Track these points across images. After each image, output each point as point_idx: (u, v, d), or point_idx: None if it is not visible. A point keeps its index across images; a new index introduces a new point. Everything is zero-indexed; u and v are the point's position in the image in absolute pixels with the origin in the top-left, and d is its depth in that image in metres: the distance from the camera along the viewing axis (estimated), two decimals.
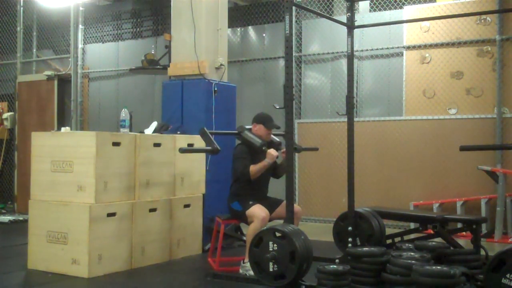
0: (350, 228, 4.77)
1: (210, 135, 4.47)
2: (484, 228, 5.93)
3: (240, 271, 4.50)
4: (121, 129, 5.29)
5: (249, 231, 4.37)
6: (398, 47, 7.14)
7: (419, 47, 6.97)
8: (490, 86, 6.56)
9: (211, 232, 5.12)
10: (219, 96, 5.77)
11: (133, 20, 9.20)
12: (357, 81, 7.34)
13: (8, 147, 8.97)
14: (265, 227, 3.98)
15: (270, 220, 4.53)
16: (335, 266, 3.64)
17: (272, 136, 4.84)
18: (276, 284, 3.68)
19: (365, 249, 3.85)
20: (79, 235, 4.45)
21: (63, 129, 5.05)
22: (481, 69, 6.61)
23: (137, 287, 4.32)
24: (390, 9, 7.30)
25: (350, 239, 4.73)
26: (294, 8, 4.36)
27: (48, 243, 4.62)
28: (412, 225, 6.04)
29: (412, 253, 3.72)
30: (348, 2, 4.94)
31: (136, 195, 4.87)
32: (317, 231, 6.45)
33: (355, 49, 5.70)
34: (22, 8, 8.69)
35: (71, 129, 6.48)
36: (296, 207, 4.51)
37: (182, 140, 5.32)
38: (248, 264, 4.17)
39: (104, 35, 9.27)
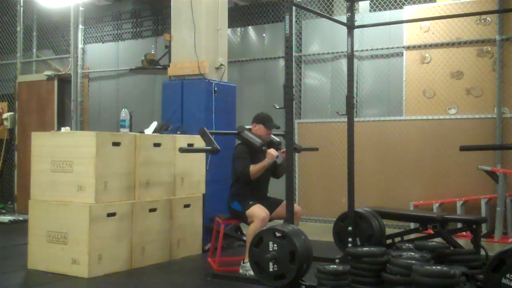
0: (350, 228, 4.77)
1: (210, 135, 4.47)
2: (484, 228, 5.93)
3: (240, 271, 4.50)
4: (121, 129, 5.29)
5: (249, 231, 4.37)
6: (398, 47, 7.14)
7: (419, 47, 6.97)
8: (490, 86, 6.56)
9: (211, 232, 5.12)
10: (219, 96, 5.77)
11: (133, 20, 9.20)
12: (357, 81, 7.34)
13: (8, 147, 8.97)
14: (265, 227, 3.98)
15: (270, 220, 4.52)
16: (335, 266, 3.64)
17: (272, 136, 4.84)
18: (276, 284, 3.67)
19: (365, 249, 3.85)
20: (79, 235, 4.45)
21: (63, 129, 5.05)
22: (481, 69, 6.61)
23: (137, 287, 4.32)
24: (390, 9, 7.30)
25: (350, 239, 4.73)
26: (294, 8, 4.36)
27: (48, 243, 4.62)
28: (412, 225, 6.04)
29: (412, 253, 3.71)
30: (348, 2, 4.94)
31: (136, 195, 4.87)
32: (317, 231, 6.45)
33: (355, 49, 5.70)
34: (22, 8, 8.69)
35: (71, 129, 6.48)
36: (296, 207, 4.51)
37: (182, 140, 5.32)
38: (248, 264, 4.17)
39: (104, 35, 9.28)
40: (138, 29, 9.15)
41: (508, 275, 3.19)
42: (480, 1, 6.58)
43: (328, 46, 7.63)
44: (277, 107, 4.01)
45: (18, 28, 8.73)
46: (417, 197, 6.72)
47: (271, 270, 3.66)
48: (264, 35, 8.19)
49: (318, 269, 3.57)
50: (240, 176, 4.63)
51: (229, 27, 6.41)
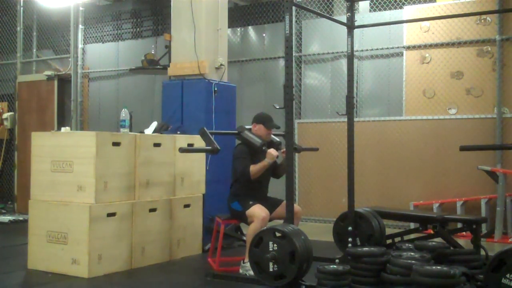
0: (350, 228, 4.77)
1: (210, 135, 4.47)
2: (484, 228, 5.92)
3: (240, 271, 4.50)
4: (121, 129, 5.29)
5: (249, 231, 4.37)
6: (398, 47, 7.14)
7: (419, 47, 6.97)
8: (490, 86, 6.56)
9: (211, 232, 5.12)
10: (219, 96, 5.77)
11: (133, 20, 9.20)
12: (357, 81, 7.34)
13: (8, 147, 8.97)
14: (265, 227, 3.98)
15: (270, 220, 4.53)
16: (335, 266, 3.64)
17: (272, 136, 4.84)
18: (276, 284, 3.67)
19: (365, 249, 3.85)
20: (79, 235, 4.45)
21: (63, 129, 5.05)
22: (481, 69, 6.61)
23: (137, 287, 4.32)
24: (390, 9, 7.30)
25: (350, 239, 4.73)
26: (294, 8, 4.36)
27: (48, 243, 4.62)
28: (412, 225, 6.04)
29: (412, 253, 3.72)
30: (348, 2, 4.94)
31: (136, 195, 4.87)
32: (317, 231, 6.45)
33: (355, 49, 5.70)
34: (22, 8, 8.69)
35: (71, 129, 6.48)
36: (296, 207, 4.51)
37: (182, 140, 5.32)
38: (248, 264, 4.17)
39: (104, 35, 9.27)
40: (138, 29, 9.14)
41: (508, 275, 3.19)
42: (480, 1, 6.58)
43: (328, 46, 7.63)
44: (277, 107, 4.01)
45: (18, 28, 8.74)
46: (417, 197, 6.72)
47: (271, 270, 3.66)
48: (264, 35, 8.19)
49: (318, 269, 3.57)
50: (240, 176, 4.63)
51: (229, 27, 6.41)
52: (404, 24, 6.97)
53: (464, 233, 5.15)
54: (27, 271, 4.70)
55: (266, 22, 8.15)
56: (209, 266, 4.82)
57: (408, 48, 7.04)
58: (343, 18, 5.13)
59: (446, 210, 6.37)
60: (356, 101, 7.27)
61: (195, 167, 5.51)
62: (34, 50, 8.92)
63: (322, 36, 7.72)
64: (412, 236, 4.94)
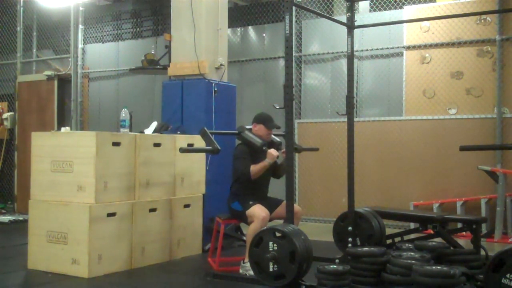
0: (350, 228, 4.77)
1: (210, 135, 4.47)
2: (484, 228, 5.92)
3: (240, 271, 4.50)
4: (121, 129, 5.29)
5: (249, 231, 4.37)
6: (398, 47, 7.14)
7: (419, 47, 6.97)
8: (490, 86, 6.56)
9: (211, 232, 5.12)
10: (219, 96, 5.76)
11: (133, 20, 9.20)
12: (357, 81, 7.34)
13: (8, 147, 8.97)
14: (265, 227, 3.98)
15: (270, 220, 4.53)
16: (335, 266, 3.64)
17: (272, 136, 4.84)
18: (276, 284, 3.67)
19: (365, 249, 3.85)
20: (79, 235, 4.45)
21: (63, 129, 5.05)
22: (481, 69, 6.61)
23: (137, 287, 4.32)
24: (390, 9, 7.30)
25: (350, 239, 4.73)
26: (294, 8, 4.36)
27: (48, 243, 4.62)
28: (412, 225, 6.04)
29: (412, 253, 3.72)
30: (348, 2, 4.94)
31: (136, 195, 4.87)
32: (317, 231, 6.45)
33: (355, 49, 5.70)
34: (22, 8, 8.69)
35: (71, 129, 6.48)
36: (296, 207, 4.51)
37: (182, 140, 5.32)
38: (248, 264, 4.17)
39: (104, 35, 9.27)
40: (138, 29, 9.14)
41: (508, 275, 3.19)
42: (480, 1, 6.58)
43: (328, 46, 7.63)
44: (277, 107, 4.01)
45: (18, 28, 8.73)
46: (417, 197, 6.72)
47: (271, 270, 3.66)
48: (264, 35, 8.19)
49: (318, 269, 3.57)
50: (241, 176, 4.63)
51: (229, 27, 6.41)
52: (404, 24, 6.97)
53: (464, 233, 5.15)
54: (27, 271, 4.70)
55: (266, 22, 8.15)
56: (209, 266, 4.82)
57: (408, 48, 7.04)
58: (343, 18, 5.13)
59: (446, 210, 6.37)
60: (356, 101, 7.27)
61: (195, 167, 5.51)
62: (34, 50, 8.92)
63: (322, 36, 7.72)
64: (412, 236, 4.93)
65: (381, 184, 7.03)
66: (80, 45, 8.45)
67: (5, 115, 8.78)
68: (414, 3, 7.22)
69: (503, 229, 6.06)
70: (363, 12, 7.56)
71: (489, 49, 6.58)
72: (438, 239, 4.55)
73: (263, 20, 8.18)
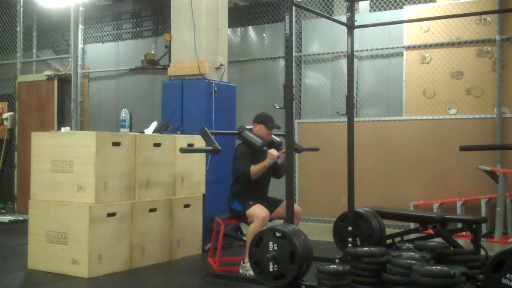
0: (350, 228, 4.77)
1: (211, 135, 4.47)
2: (484, 228, 5.92)
3: (240, 271, 4.50)
4: (121, 129, 5.29)
5: (249, 231, 4.37)
6: (398, 47, 7.14)
7: (419, 47, 6.97)
8: (490, 86, 6.56)
9: (211, 232, 5.12)
10: (219, 96, 5.76)
11: (133, 20, 9.20)
12: (357, 81, 7.34)
13: (8, 147, 8.97)
14: (265, 227, 3.98)
15: (270, 220, 4.53)
16: (335, 266, 3.63)
17: (273, 136, 4.84)
18: (276, 284, 3.67)
19: (365, 249, 3.85)
20: (79, 235, 4.46)
21: (63, 129, 5.05)
22: (481, 69, 6.61)
23: (137, 287, 4.32)
24: (390, 9, 7.30)
25: (350, 239, 4.73)
26: (294, 8, 4.36)
27: (48, 243, 4.62)
28: (412, 225, 6.04)
29: (412, 253, 3.71)
30: (348, 2, 4.94)
31: (136, 195, 4.87)
32: (317, 231, 6.45)
33: (355, 49, 5.70)
34: (22, 8, 8.69)
35: (71, 129, 6.48)
36: (296, 207, 4.52)
37: (182, 140, 5.32)
38: (248, 264, 4.17)
39: (104, 35, 9.27)
40: (138, 29, 9.14)
41: (508, 275, 3.19)
42: (480, 1, 6.57)
43: (328, 46, 7.63)
44: (277, 107, 4.01)
45: (18, 28, 8.73)
46: (417, 197, 6.72)
47: (271, 270, 3.66)
48: (264, 35, 8.19)
49: (318, 269, 3.57)
50: (241, 176, 4.63)
51: (229, 27, 6.41)
52: (404, 24, 6.97)
53: (464, 233, 5.15)
54: (27, 271, 4.70)
55: (266, 22, 8.15)
56: (209, 266, 4.82)
57: (408, 48, 7.04)
58: (343, 18, 5.13)
59: (446, 210, 6.37)
60: (356, 101, 7.27)
61: (195, 167, 5.51)
62: (34, 50, 8.92)
63: (322, 36, 7.71)
64: (412, 236, 4.93)
65: (381, 184, 7.03)
66: (80, 45, 8.45)
67: (5, 115, 8.78)
68: (414, 3, 7.22)
69: (503, 229, 6.06)
70: (363, 12, 7.56)
71: (489, 49, 6.58)
72: (438, 239, 4.55)
73: (263, 20, 8.18)
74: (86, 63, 8.89)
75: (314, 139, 7.37)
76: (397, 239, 4.89)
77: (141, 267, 4.81)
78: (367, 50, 7.36)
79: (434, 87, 6.86)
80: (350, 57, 4.94)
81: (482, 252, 4.34)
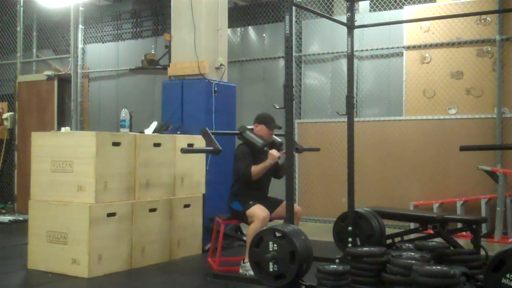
0: (350, 228, 4.77)
1: (211, 135, 4.47)
2: (484, 228, 5.92)
3: (240, 271, 4.50)
4: (121, 129, 5.29)
5: (249, 231, 4.37)
6: (398, 47, 7.14)
7: (419, 47, 6.97)
8: (490, 86, 6.56)
9: (211, 232, 5.12)
10: (219, 96, 5.76)
11: (133, 20, 9.20)
12: (357, 81, 7.34)
13: (8, 147, 8.97)
14: (265, 227, 3.98)
15: (270, 220, 4.53)
16: (335, 266, 3.63)
17: (273, 136, 4.84)
18: (276, 284, 3.67)
19: (365, 249, 3.85)
20: (79, 235, 4.45)
21: (63, 129, 5.05)
22: (481, 69, 6.61)
23: (137, 287, 4.32)
24: (390, 9, 7.30)
25: (350, 239, 4.73)
26: (294, 8, 4.36)
27: (48, 243, 4.62)
28: (412, 225, 6.04)
29: (412, 253, 3.71)
30: (348, 2, 4.94)
31: (136, 195, 4.87)
32: (317, 231, 6.45)
33: (355, 49, 5.70)
34: (22, 8, 8.69)
35: (71, 129, 6.48)
36: (296, 207, 4.51)
37: (182, 140, 5.32)
38: (248, 264, 4.17)
39: (104, 35, 9.28)
40: (138, 29, 9.15)
41: (508, 275, 3.19)
42: (480, 1, 6.58)
43: (328, 46, 7.63)
44: (277, 107, 4.01)
45: (18, 28, 8.73)
46: (417, 197, 6.72)
47: (271, 270, 3.66)
48: (264, 35, 8.19)
49: (318, 269, 3.57)
50: (242, 177, 4.63)
51: (229, 27, 6.41)
52: (404, 24, 6.97)
53: (464, 233, 5.15)
54: (27, 271, 4.70)
55: (266, 22, 8.15)
56: (209, 266, 4.82)
57: (408, 48, 7.04)
58: (343, 18, 5.13)
59: (446, 210, 6.37)
60: (356, 101, 7.27)
61: (195, 167, 5.51)
62: (34, 50, 8.91)
63: (322, 36, 7.72)
64: (412, 236, 4.94)
65: (381, 184, 7.03)
66: (80, 45, 8.45)
67: (5, 115, 8.78)
68: (414, 3, 7.22)
69: (503, 229, 6.06)
70: (363, 12, 7.56)
71: (489, 49, 6.58)
72: (438, 239, 4.56)
73: (263, 20, 8.18)
74: (86, 63, 8.89)
75: (314, 139, 7.37)
76: (397, 239, 4.90)
77: (141, 267, 4.81)
78: (367, 50, 7.36)
79: (434, 87, 6.86)
80: (350, 57, 4.94)
81: (482, 252, 4.35)
